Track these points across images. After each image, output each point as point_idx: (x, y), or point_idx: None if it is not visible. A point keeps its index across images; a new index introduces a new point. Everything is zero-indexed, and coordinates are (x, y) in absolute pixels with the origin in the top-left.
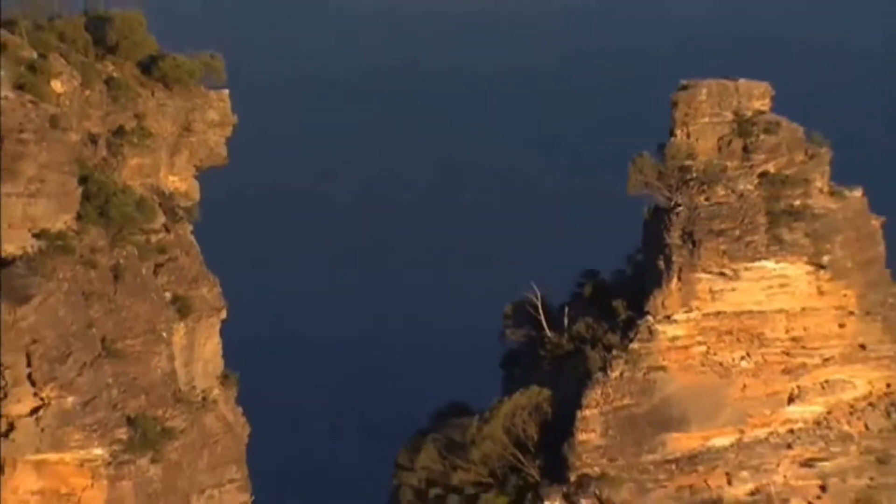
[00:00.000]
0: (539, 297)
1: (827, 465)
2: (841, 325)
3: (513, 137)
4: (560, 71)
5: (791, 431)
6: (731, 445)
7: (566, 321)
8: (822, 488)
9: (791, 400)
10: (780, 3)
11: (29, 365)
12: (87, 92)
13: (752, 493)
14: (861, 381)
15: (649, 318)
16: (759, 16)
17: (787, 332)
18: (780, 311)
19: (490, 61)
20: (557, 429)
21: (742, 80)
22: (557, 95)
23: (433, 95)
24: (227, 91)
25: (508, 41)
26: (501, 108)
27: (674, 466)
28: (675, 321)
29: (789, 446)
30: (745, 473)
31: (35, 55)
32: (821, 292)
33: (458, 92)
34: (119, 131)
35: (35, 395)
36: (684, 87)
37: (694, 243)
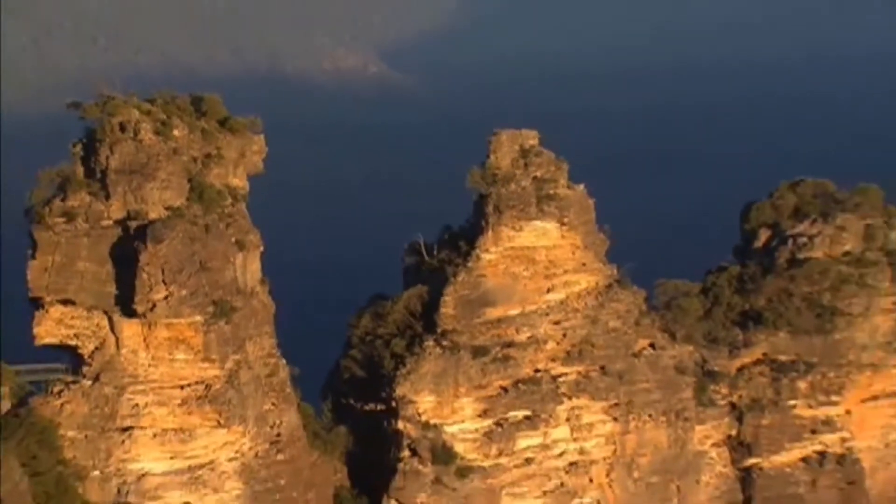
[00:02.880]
0: (422, 239)
1: (566, 324)
2: (573, 253)
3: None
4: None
5: (549, 307)
6: (518, 314)
7: (436, 252)
8: (564, 335)
9: (548, 291)
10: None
11: (163, 273)
12: (191, 135)
13: (529, 337)
14: (583, 281)
15: (477, 250)
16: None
17: (546, 257)
18: (543, 246)
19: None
20: (432, 306)
21: (524, 130)
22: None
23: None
24: (262, 135)
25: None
26: None
27: (490, 325)
28: (490, 252)
29: (547, 314)
30: (525, 328)
31: (164, 116)
32: (563, 236)
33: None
34: (207, 156)
35: (165, 288)
36: (495, 133)
37: (500, 212)
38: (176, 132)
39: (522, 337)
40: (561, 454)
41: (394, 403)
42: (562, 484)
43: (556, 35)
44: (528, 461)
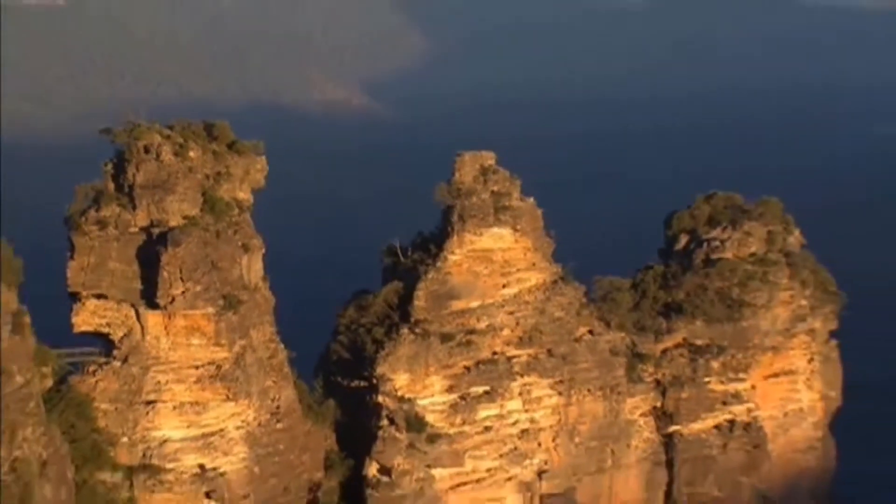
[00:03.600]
0: (398, 243)
1: (519, 314)
2: (525, 255)
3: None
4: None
5: (504, 300)
6: (479, 306)
7: (410, 253)
8: (517, 323)
9: (504, 286)
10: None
11: (180, 272)
12: (204, 156)
13: (487, 325)
14: (533, 278)
15: (445, 252)
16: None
17: (502, 258)
18: (499, 249)
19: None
20: (406, 299)
21: (483, 152)
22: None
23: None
24: (264, 156)
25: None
26: None
27: (455, 315)
28: (455, 254)
29: (503, 306)
30: (485, 317)
31: (182, 140)
32: (516, 241)
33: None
34: (218, 173)
35: (183, 285)
36: (459, 155)
37: (463, 220)
38: (191, 153)
39: (482, 325)
40: (514, 423)
41: (375, 381)
42: (515, 448)
43: (514, 69)
44: (487, 429)
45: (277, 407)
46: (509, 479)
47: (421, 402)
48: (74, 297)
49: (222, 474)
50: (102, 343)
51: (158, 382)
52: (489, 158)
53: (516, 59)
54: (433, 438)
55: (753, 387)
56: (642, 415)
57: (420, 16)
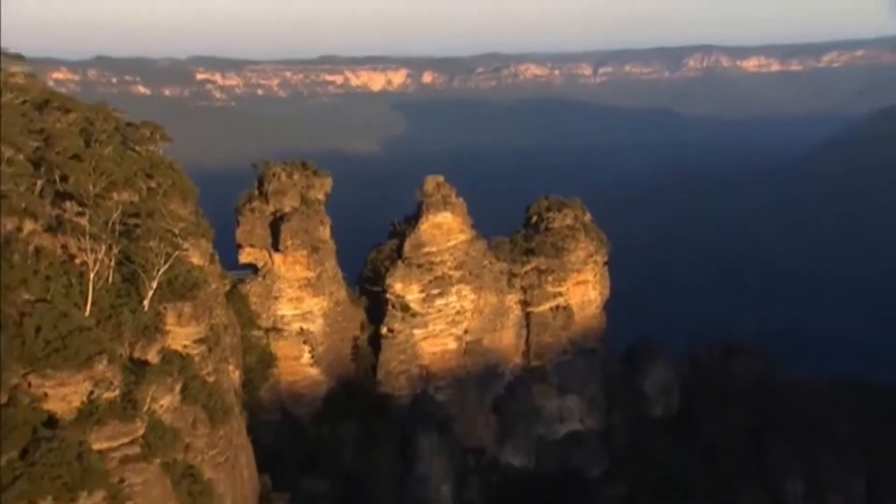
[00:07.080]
0: (396, 221)
1: (455, 254)
2: (458, 226)
3: None
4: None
5: (448, 248)
6: (436, 251)
7: (401, 225)
8: (454, 259)
9: (448, 241)
10: None
11: (290, 234)
12: (301, 177)
13: (440, 260)
14: (462, 237)
15: (419, 224)
16: None
17: (447, 228)
18: (446, 223)
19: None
20: (400, 248)
21: (438, 175)
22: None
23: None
24: (330, 178)
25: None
26: None
27: (424, 255)
28: (424, 225)
29: (447, 251)
30: (438, 256)
31: (290, 170)
32: (454, 219)
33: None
34: (308, 186)
35: (291, 240)
36: (426, 177)
37: (428, 209)
38: (295, 176)
39: (437, 260)
40: (453, 308)
41: (385, 287)
42: (453, 320)
43: (458, 139)
44: (440, 311)
45: (337, 300)
46: (450, 334)
47: (408, 298)
48: (239, 246)
49: (311, 332)
50: (253, 269)
51: (280, 288)
52: (440, 178)
53: (462, 134)
54: (414, 315)
55: (567, 290)
56: (515, 304)
57: (406, 111)
